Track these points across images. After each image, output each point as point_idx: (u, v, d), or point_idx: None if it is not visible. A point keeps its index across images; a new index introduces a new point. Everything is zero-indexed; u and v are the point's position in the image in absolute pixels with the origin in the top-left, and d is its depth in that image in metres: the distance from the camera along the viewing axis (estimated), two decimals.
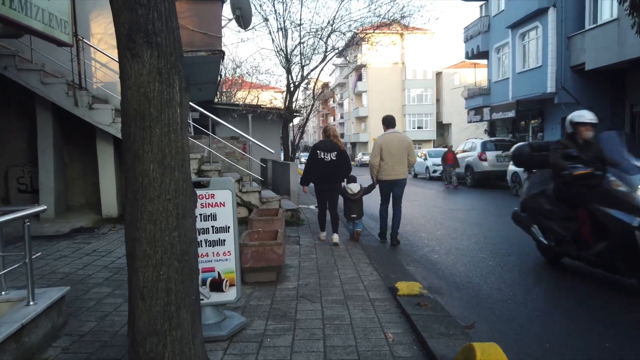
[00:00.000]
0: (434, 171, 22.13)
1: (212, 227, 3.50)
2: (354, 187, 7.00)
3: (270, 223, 6.56)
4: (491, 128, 26.14)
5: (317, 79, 13.67)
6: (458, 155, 19.06)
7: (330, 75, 65.12)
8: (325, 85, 55.79)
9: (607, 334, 3.59)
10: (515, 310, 4.13)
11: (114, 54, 9.34)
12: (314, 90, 13.86)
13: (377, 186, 7.13)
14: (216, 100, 20.60)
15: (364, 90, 55.31)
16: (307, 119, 14.34)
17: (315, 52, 13.53)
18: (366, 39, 14.18)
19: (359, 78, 55.76)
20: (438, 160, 22.34)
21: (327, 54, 13.51)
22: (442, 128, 54.98)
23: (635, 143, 15.46)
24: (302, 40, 13.44)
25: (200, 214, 3.48)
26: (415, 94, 54.18)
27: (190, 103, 8.97)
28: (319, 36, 13.45)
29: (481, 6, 25.46)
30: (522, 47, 20.62)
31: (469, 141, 19.24)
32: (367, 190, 7.17)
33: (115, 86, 8.16)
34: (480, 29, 24.14)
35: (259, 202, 8.19)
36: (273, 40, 13.00)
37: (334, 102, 71.24)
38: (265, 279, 4.85)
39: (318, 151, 6.58)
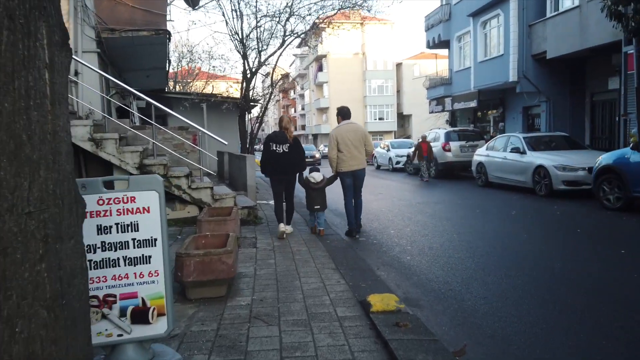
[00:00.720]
0: (397, 162, 21.74)
1: (134, 240, 2.68)
2: (316, 176, 6.82)
3: (223, 224, 5.76)
4: (452, 118, 26.00)
5: (275, 65, 12.83)
6: None
7: (290, 66, 64.08)
8: (286, 75, 54.66)
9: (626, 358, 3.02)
10: (509, 327, 3.52)
11: None
12: (272, 77, 12.99)
13: (339, 179, 6.95)
14: (169, 89, 19.38)
15: (324, 81, 54.63)
16: (266, 108, 13.47)
17: (273, 36, 12.66)
18: (327, 24, 13.40)
19: (320, 69, 55.03)
20: (401, 152, 22.00)
21: (285, 38, 12.67)
22: (403, 119, 55.09)
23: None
24: (258, 24, 12.54)
25: (117, 224, 2.65)
26: (376, 84, 53.96)
27: (135, 91, 8.02)
28: (277, 20, 12.58)
29: None
30: (484, 36, 20.41)
31: (432, 131, 18.87)
32: (330, 180, 6.98)
33: None
34: (442, 18, 23.82)
35: (211, 200, 7.34)
36: (227, 22, 12.04)
37: (294, 93, 70.23)
38: (213, 294, 4.06)
39: (270, 143, 6.49)
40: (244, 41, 12.28)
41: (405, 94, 53.45)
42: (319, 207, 6.76)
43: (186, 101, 13.29)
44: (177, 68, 30.29)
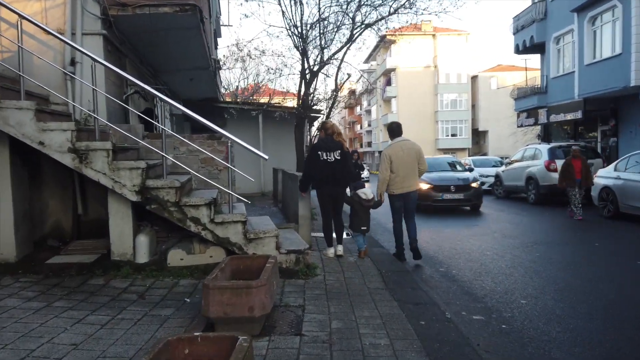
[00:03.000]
0: (482, 184, 18.56)
1: None
2: (368, 193, 6.08)
3: (245, 296, 3.38)
4: (545, 133, 22.36)
5: (341, 61, 10.44)
6: (515, 165, 15.51)
7: (356, 82, 62.35)
8: (352, 92, 52.21)
9: None
10: None
11: (27, 8, 6.35)
12: (336, 77, 10.65)
13: (388, 202, 6.39)
14: (223, 98, 17.58)
15: (393, 96, 51.83)
16: (329, 115, 11.12)
17: (339, 30, 10.36)
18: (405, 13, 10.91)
19: (388, 83, 52.37)
20: (485, 171, 18.88)
21: (354, 32, 10.31)
22: (478, 136, 51.00)
23: None
24: (322, 17, 10.29)
25: None
26: (449, 99, 50.35)
27: (152, 90, 5.92)
28: (344, 10, 10.28)
29: None
30: (592, 34, 16.97)
31: (529, 147, 15.65)
32: (377, 204, 6.23)
33: (18, 57, 5.11)
34: (535, 17, 20.52)
35: (242, 239, 4.99)
36: (284, 13, 9.90)
37: (360, 109, 68.08)
38: None
39: (319, 152, 5.79)
40: (304, 35, 10.04)
41: (481, 108, 49.45)
42: (365, 228, 6.10)
43: (233, 109, 11.23)
44: (244, 85, 28.71)
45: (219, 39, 18.71)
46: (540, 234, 8.80)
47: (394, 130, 6.41)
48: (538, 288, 5.04)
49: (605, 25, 16.34)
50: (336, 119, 57.66)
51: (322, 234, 7.31)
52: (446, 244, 7.76)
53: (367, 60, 58.34)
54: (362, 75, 13.56)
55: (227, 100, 18.64)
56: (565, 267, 6.02)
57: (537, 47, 21.21)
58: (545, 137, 22.19)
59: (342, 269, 5.52)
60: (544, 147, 14.45)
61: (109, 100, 6.02)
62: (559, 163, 13.52)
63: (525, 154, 15.26)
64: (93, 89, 4.97)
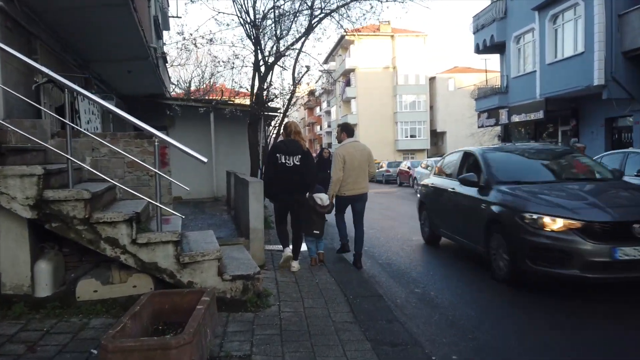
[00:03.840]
0: None
1: None
2: (324, 198, 5.81)
3: (160, 359, 2.33)
4: (505, 134, 22.21)
5: (299, 52, 9.44)
6: None
7: (316, 82, 61.50)
8: (311, 92, 51.25)
9: None
10: None
11: None
12: (294, 69, 9.65)
13: (335, 202, 6.10)
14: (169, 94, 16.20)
15: (352, 97, 51.36)
16: (286, 113, 10.11)
17: (296, 19, 9.39)
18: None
19: (348, 83, 51.84)
20: None
21: (312, 21, 9.36)
22: (436, 137, 51.32)
23: None
24: (277, 3, 9.30)
25: None
26: (408, 100, 50.33)
27: (70, 84, 4.76)
28: None
29: None
30: (554, 32, 16.77)
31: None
32: (332, 208, 6.00)
33: None
34: (495, 16, 20.26)
35: (174, 264, 3.94)
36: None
37: (320, 110, 67.38)
38: None
39: (278, 154, 5.35)
40: (257, 22, 9.01)
41: (439, 110, 49.77)
42: (318, 232, 5.77)
43: (178, 107, 10.04)
44: (198, 82, 27.16)
45: (166, 32, 17.39)
46: None
47: (349, 130, 6.36)
48: (525, 310, 4.23)
49: (567, 23, 16.15)
50: (295, 119, 56.68)
51: (278, 247, 6.36)
52: (417, 255, 6.95)
53: (326, 61, 57.60)
54: (323, 74, 12.64)
55: (181, 97, 17.33)
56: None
57: (498, 47, 21.00)
58: (505, 137, 22.04)
59: (301, 295, 4.57)
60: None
61: (10, 90, 4.81)
62: None
63: None
64: None
